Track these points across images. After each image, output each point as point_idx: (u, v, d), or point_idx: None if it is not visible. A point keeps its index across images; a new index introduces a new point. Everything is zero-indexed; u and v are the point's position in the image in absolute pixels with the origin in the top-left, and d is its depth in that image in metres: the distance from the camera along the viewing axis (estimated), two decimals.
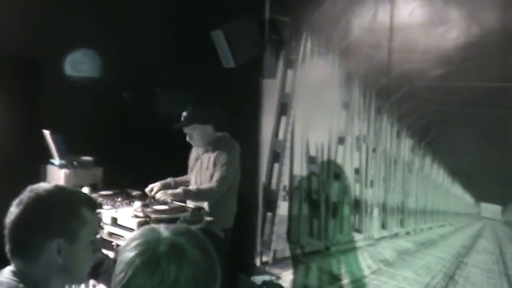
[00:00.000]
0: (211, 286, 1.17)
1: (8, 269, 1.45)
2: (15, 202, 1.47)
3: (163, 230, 1.17)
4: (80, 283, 2.71)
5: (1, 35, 4.07)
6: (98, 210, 1.60)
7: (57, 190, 1.52)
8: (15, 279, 1.41)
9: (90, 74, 4.63)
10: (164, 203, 3.66)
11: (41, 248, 1.43)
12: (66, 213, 1.47)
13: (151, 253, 1.12)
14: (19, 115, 4.22)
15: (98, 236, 1.58)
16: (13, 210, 1.45)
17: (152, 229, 1.18)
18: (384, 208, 3.76)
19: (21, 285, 1.39)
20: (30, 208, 1.45)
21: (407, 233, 3.66)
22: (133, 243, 1.14)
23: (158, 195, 3.75)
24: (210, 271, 1.17)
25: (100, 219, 3.28)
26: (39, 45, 4.30)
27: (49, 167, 4.18)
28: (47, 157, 4.17)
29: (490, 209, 3.15)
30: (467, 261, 3.26)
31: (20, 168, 4.05)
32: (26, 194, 1.47)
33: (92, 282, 3.44)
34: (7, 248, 1.46)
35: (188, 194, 3.78)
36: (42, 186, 1.51)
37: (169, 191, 3.76)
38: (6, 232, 1.46)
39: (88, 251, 1.50)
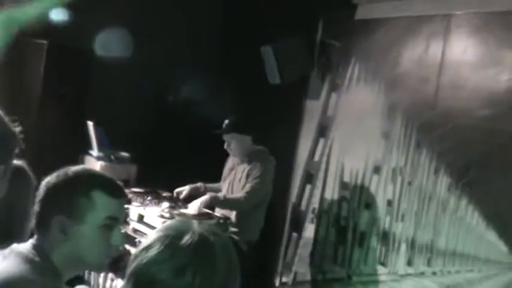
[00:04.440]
0: None
1: (30, 241, 1.47)
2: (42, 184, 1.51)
3: (196, 224, 1.16)
4: (95, 270, 2.70)
5: (54, 24, 4.21)
6: (120, 198, 1.53)
7: (80, 170, 1.52)
8: (33, 251, 1.43)
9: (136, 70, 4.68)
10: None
11: (48, 223, 1.45)
12: (74, 192, 1.46)
13: (175, 241, 1.10)
14: (67, 104, 4.34)
15: (118, 225, 1.53)
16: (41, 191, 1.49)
17: (184, 221, 1.18)
18: (412, 244, 3.68)
19: (37, 258, 1.41)
20: (50, 183, 1.48)
21: (434, 273, 3.57)
22: (161, 230, 1.15)
23: (191, 205, 3.75)
24: (227, 281, 1.14)
25: (126, 213, 3.33)
26: (91, 36, 4.42)
27: (87, 157, 4.28)
28: (87, 148, 4.28)
29: None
30: None
31: (60, 156, 4.14)
32: (55, 172, 1.50)
33: (110, 275, 3.50)
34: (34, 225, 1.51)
35: (215, 201, 3.80)
36: (73, 167, 1.52)
37: (199, 201, 3.76)
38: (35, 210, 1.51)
39: (98, 236, 1.46)
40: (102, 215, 1.46)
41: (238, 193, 3.88)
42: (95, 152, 4.22)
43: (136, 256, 1.12)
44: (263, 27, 4.58)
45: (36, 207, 1.48)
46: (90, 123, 4.23)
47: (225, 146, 3.97)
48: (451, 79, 3.38)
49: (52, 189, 1.47)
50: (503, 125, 3.07)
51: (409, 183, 3.72)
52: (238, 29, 5.07)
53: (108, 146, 4.23)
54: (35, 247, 1.44)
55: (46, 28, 4.01)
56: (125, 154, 4.31)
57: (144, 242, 1.14)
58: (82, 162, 4.28)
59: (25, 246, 1.45)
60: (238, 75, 4.82)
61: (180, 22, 4.91)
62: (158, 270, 1.08)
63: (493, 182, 3.21)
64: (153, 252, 1.09)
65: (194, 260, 1.09)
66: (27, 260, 1.40)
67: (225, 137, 3.95)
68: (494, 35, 3.13)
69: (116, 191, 1.51)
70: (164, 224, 1.20)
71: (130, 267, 1.11)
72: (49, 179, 1.49)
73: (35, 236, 1.48)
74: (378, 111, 3.92)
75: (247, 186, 3.84)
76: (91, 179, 1.50)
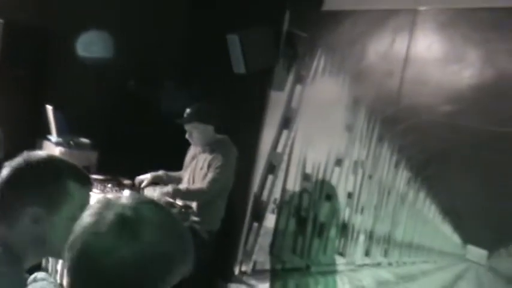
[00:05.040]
0: (179, 252, 1.09)
1: None
2: (4, 166, 1.44)
3: (124, 198, 1.11)
4: (57, 258, 2.67)
5: (14, 2, 4.06)
6: (90, 187, 1.51)
7: (49, 159, 1.48)
8: None
9: (100, 55, 4.61)
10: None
11: (18, 214, 1.40)
12: (50, 183, 1.42)
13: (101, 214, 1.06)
14: (24, 86, 4.20)
15: None
16: (1, 173, 1.43)
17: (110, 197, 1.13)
18: (370, 236, 3.75)
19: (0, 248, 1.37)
20: (16, 171, 1.42)
21: (390, 264, 3.64)
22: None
23: (147, 191, 3.74)
24: (174, 232, 1.09)
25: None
26: (51, 16, 4.29)
27: (45, 142, 4.16)
28: (45, 133, 4.16)
29: (476, 253, 3.13)
30: None
31: (16, 141, 4.02)
32: (17, 158, 1.44)
33: None
34: None
35: (177, 194, 3.77)
36: (36, 153, 1.47)
37: (159, 190, 3.74)
38: None
39: (69, 227, 1.41)
40: (77, 205, 1.42)
41: (199, 182, 3.86)
42: (53, 137, 4.11)
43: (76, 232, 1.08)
44: (230, 16, 4.55)
45: (0, 196, 1.42)
46: (49, 108, 4.11)
47: (187, 136, 3.93)
48: (415, 74, 3.43)
49: (20, 178, 1.41)
50: (464, 121, 3.13)
51: (370, 176, 3.77)
52: (204, 17, 5.01)
53: (67, 132, 4.12)
54: None
55: (2, 6, 3.86)
56: (85, 140, 4.21)
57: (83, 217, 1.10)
58: (40, 148, 4.17)
59: None
60: (203, 63, 4.77)
61: (146, 7, 4.82)
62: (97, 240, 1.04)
63: (451, 178, 3.29)
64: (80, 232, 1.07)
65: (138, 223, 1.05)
66: None
67: (187, 127, 3.91)
68: (459, 32, 3.18)
69: (87, 180, 1.49)
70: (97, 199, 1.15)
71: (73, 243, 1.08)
72: (13, 166, 1.43)
73: None
74: (342, 104, 3.95)
75: (209, 176, 3.82)
76: (64, 169, 1.46)
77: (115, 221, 1.05)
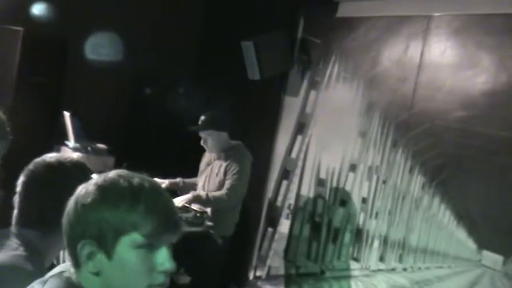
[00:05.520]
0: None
1: (12, 233, 1.45)
2: (24, 172, 1.47)
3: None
4: None
5: (31, 12, 4.13)
6: None
7: (69, 163, 1.52)
8: (22, 248, 1.41)
9: (114, 58, 4.66)
10: None
11: (58, 222, 1.42)
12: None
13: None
14: (42, 93, 4.26)
15: None
16: (23, 180, 1.46)
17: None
18: (384, 241, 3.75)
19: (24, 253, 1.40)
20: (46, 177, 1.45)
21: (405, 269, 3.64)
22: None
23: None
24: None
25: None
26: (70, 26, 4.36)
27: (63, 148, 4.22)
28: (63, 138, 4.22)
29: (491, 258, 3.12)
30: None
31: (34, 147, 4.08)
32: (35, 164, 1.47)
33: None
34: (17, 215, 1.47)
35: (198, 199, 3.80)
36: (49, 156, 1.50)
37: (178, 198, 3.76)
38: (17, 200, 1.47)
39: None
40: None
41: (217, 190, 3.88)
42: (71, 143, 4.16)
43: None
44: (244, 23, 4.58)
45: (33, 204, 1.47)
46: (66, 114, 4.17)
47: (202, 143, 3.96)
48: (429, 80, 3.44)
49: (57, 185, 1.45)
50: (477, 127, 3.13)
51: (384, 182, 3.78)
52: (219, 23, 5.06)
53: (84, 137, 4.17)
54: (23, 242, 1.43)
55: (22, 15, 3.94)
56: (102, 146, 4.26)
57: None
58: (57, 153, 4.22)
59: (7, 236, 1.44)
60: (218, 70, 4.81)
61: (161, 15, 4.88)
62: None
63: (465, 183, 3.28)
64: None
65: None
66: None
67: (201, 134, 3.94)
68: (473, 38, 3.19)
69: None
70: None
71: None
72: (36, 172, 1.48)
73: (22, 231, 1.46)
74: (356, 109, 3.97)
75: (227, 183, 3.84)
76: (87, 170, 1.55)
77: None
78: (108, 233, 1.13)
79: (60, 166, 1.48)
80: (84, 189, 1.17)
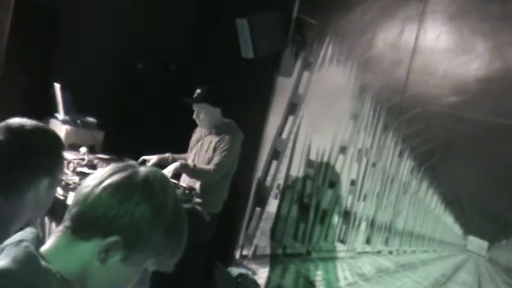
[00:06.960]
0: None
1: None
2: None
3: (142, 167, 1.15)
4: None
5: None
6: None
7: (42, 128, 1.48)
8: None
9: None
10: None
11: (28, 185, 1.40)
12: (55, 154, 1.46)
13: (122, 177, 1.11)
14: (33, 64, 4.21)
15: None
16: None
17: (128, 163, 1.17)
18: (371, 224, 3.78)
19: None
20: (18, 141, 1.41)
21: (390, 252, 3.68)
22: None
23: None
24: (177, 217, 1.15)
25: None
26: None
27: (52, 120, 4.18)
28: (52, 111, 4.17)
29: (477, 244, 3.16)
30: None
31: (24, 117, 4.04)
32: (7, 124, 1.42)
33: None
34: None
35: (185, 168, 3.79)
36: (23, 121, 1.44)
37: (170, 169, 3.74)
38: None
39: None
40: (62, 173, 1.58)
41: (205, 164, 3.88)
42: (60, 115, 4.12)
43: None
44: (239, 0, 4.53)
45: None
46: (57, 86, 4.12)
47: (194, 116, 3.94)
48: (423, 64, 3.43)
49: (27, 149, 1.43)
50: (469, 112, 3.14)
51: (374, 165, 3.79)
52: (214, 1, 5.00)
53: (74, 110, 4.13)
54: None
55: None
56: (91, 119, 4.22)
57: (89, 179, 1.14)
58: (47, 125, 4.18)
59: None
60: (211, 47, 4.77)
61: None
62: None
63: (454, 168, 3.31)
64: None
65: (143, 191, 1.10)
66: None
67: (195, 107, 3.92)
68: (468, 23, 3.18)
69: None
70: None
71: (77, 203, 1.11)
72: (10, 132, 1.43)
73: None
74: (348, 91, 3.96)
75: (216, 159, 3.84)
76: (59, 139, 1.55)
77: None
78: (141, 254, 1.11)
79: (21, 130, 1.42)
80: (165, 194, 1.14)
